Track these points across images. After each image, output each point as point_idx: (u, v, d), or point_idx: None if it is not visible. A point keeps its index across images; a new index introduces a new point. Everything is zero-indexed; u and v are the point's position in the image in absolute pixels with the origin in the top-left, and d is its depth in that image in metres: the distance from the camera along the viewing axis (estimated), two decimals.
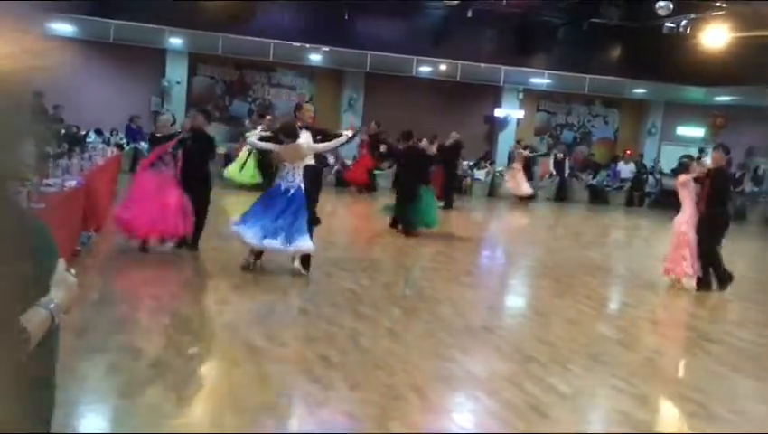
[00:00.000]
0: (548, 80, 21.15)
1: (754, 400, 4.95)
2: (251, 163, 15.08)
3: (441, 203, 14.86)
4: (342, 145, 8.40)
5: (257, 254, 7.61)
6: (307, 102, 8.13)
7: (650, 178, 21.99)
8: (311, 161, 7.75)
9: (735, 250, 10.51)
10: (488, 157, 21.72)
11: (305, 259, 7.68)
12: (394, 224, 11.64)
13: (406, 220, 11.36)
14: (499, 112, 22.26)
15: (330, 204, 16.35)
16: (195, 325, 5.73)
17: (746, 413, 4.66)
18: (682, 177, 8.59)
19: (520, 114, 22.47)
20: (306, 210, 7.43)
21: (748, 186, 20.39)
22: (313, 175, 7.83)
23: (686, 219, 8.41)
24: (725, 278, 8.43)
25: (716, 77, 19.18)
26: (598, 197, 21.06)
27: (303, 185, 7.40)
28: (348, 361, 5.00)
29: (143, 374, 4.35)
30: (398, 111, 20.63)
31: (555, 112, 23.34)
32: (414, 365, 5.03)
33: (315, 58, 19.81)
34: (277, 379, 4.58)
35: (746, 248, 13.59)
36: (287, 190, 7.35)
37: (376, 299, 6.97)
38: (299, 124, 7.71)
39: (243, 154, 15.35)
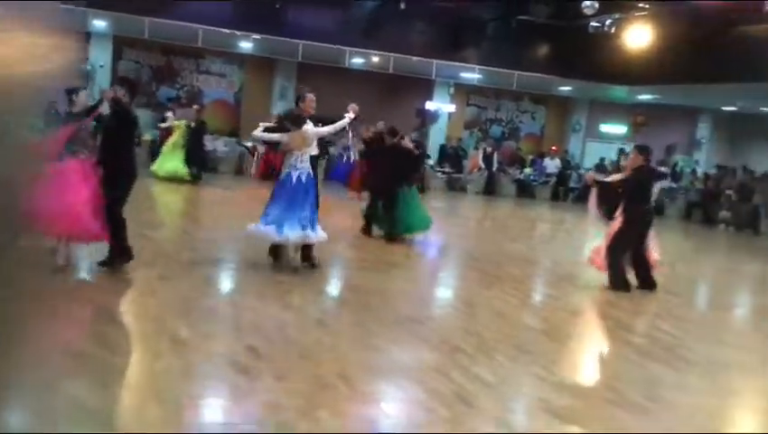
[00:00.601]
0: (479, 75, 21.44)
1: (670, 388, 5.15)
2: (179, 155, 14.75)
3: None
4: (344, 128, 8.29)
5: (304, 248, 7.60)
6: (309, 93, 7.99)
7: (574, 174, 22.63)
8: (315, 151, 7.76)
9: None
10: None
11: (307, 252, 7.70)
12: (367, 230, 10.63)
13: (388, 224, 10.44)
14: (430, 105, 22.45)
15: (257, 192, 16.18)
16: (119, 317, 5.58)
17: (662, 401, 4.85)
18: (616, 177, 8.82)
19: (451, 108, 22.73)
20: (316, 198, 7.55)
21: (666, 182, 21.16)
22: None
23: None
24: (618, 284, 8.31)
25: (639, 76, 19.82)
26: (525, 191, 21.53)
27: (311, 172, 7.46)
28: (275, 351, 4.96)
29: (65, 366, 4.21)
30: (330, 102, 20.56)
31: (485, 107, 23.70)
32: (342, 355, 5.03)
33: (246, 45, 19.52)
34: (202, 370, 4.51)
35: (665, 242, 14.11)
36: (299, 178, 7.36)
37: (305, 290, 6.93)
38: (303, 115, 7.65)
39: (169, 144, 15.00)
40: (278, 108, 20.94)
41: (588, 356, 6.16)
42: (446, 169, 21.50)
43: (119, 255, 6.71)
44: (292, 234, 7.25)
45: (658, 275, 8.60)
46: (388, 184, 10.42)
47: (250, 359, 4.72)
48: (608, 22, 18.18)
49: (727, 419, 4.80)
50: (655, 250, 8.74)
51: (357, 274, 8.20)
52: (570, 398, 4.78)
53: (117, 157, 6.63)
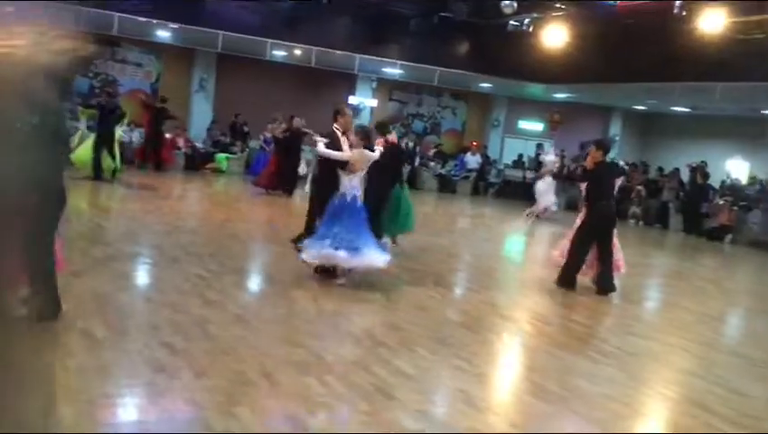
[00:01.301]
0: (401, 71, 21.57)
1: (583, 377, 5.33)
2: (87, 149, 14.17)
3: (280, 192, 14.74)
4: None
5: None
6: (347, 108, 7.96)
7: (494, 169, 23.10)
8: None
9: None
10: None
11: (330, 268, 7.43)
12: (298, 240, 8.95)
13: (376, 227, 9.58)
14: (353, 100, 22.45)
15: (180, 186, 15.85)
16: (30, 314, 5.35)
17: (577, 390, 5.01)
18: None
19: (374, 102, 22.79)
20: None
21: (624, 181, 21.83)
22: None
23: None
24: (565, 281, 8.44)
25: (555, 75, 20.38)
26: (446, 186, 21.83)
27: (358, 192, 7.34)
28: (194, 348, 4.87)
29: None
30: (251, 95, 20.30)
31: (407, 102, 23.88)
32: (263, 351, 4.98)
33: (163, 35, 19.00)
34: (118, 369, 4.38)
35: None
36: (354, 198, 7.27)
37: (225, 285, 6.83)
38: (341, 130, 7.53)
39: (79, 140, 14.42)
40: (196, 100, 20.53)
41: (507, 348, 6.31)
42: None
43: None
44: (314, 256, 7.17)
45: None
46: (383, 185, 9.33)
47: (168, 356, 4.61)
48: (526, 21, 18.61)
49: (638, 406, 5.00)
50: (618, 249, 8.66)
51: (278, 269, 8.13)
52: (489, 389, 4.88)
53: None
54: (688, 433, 4.50)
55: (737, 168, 22.32)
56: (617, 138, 25.87)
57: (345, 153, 7.45)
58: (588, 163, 8.67)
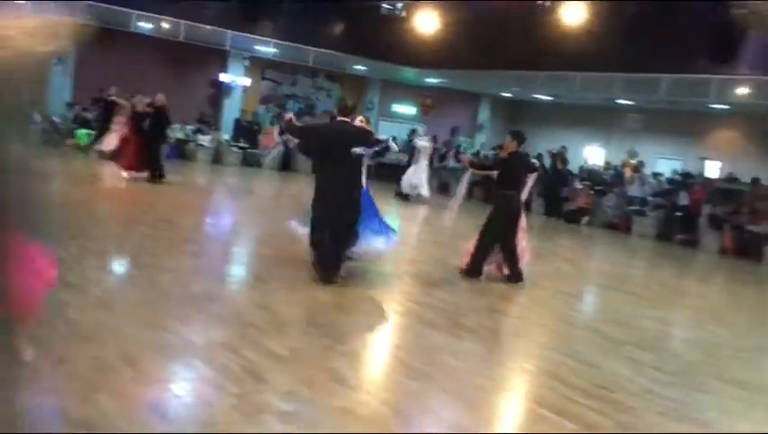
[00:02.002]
0: (275, 50, 21.27)
1: (450, 354, 5.51)
2: None
3: (145, 174, 13.81)
4: None
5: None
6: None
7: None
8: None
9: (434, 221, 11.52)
10: (210, 122, 21.32)
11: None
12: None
13: None
14: (224, 77, 21.90)
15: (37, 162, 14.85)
16: None
17: (444, 367, 5.18)
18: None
19: (246, 81, 22.34)
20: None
21: (451, 162, 22.46)
22: None
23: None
24: (472, 271, 8.49)
25: (427, 60, 20.79)
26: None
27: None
28: (52, 335, 4.61)
29: None
30: (116, 69, 19.31)
31: (281, 82, 23.58)
32: (127, 336, 4.80)
33: (17, 2, 17.68)
34: None
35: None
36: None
37: (85, 268, 6.51)
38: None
39: None
40: (55, 73, 19.33)
41: (376, 328, 6.41)
42: (241, 144, 21.15)
43: None
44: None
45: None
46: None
47: (25, 344, 4.34)
48: (399, 5, 18.84)
49: (501, 380, 5.24)
50: (524, 238, 8.71)
51: (145, 251, 7.84)
52: (360, 368, 4.95)
53: None
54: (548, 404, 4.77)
55: (594, 154, 23.71)
56: (485, 124, 26.79)
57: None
58: (504, 151, 8.65)
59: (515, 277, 8.53)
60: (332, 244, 7.13)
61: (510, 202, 8.46)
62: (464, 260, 8.64)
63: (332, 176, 7.19)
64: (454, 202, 9.25)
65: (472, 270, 8.50)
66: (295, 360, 4.86)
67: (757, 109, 18.23)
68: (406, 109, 25.52)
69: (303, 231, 7.51)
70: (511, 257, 8.52)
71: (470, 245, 8.70)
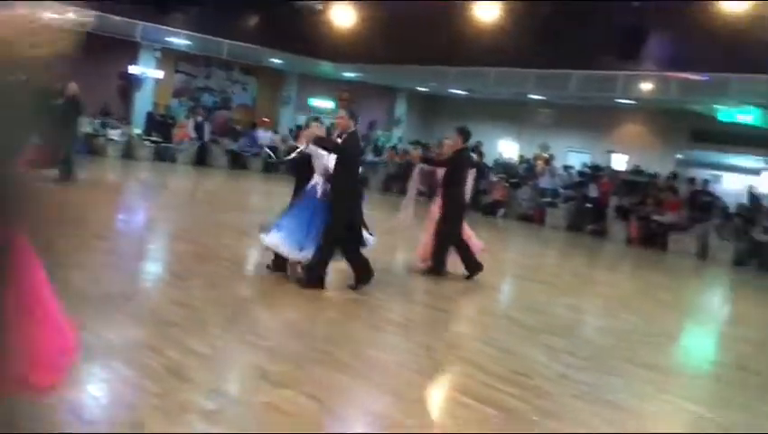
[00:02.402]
0: (188, 42, 20.77)
1: (375, 346, 5.56)
2: None
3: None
4: None
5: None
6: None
7: (286, 146, 23.09)
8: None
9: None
10: (114, 115, 20.66)
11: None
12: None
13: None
14: (134, 69, 21.25)
15: None
16: None
17: (369, 359, 5.22)
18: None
19: (159, 74, 21.74)
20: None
21: (369, 156, 22.55)
22: None
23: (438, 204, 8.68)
24: (439, 268, 8.62)
25: (343, 54, 20.77)
26: (237, 162, 21.47)
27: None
28: None
29: None
30: None
31: (195, 75, 23.05)
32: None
33: None
34: None
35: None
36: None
37: None
38: None
39: None
40: None
41: (299, 321, 6.38)
42: (154, 138, 20.58)
43: None
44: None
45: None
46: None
47: None
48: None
49: (425, 371, 5.31)
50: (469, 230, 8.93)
51: (54, 248, 7.52)
52: (283, 363, 4.92)
53: None
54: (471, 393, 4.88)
55: (508, 148, 24.28)
56: (402, 119, 27.01)
57: None
58: (450, 148, 8.75)
59: (474, 267, 8.71)
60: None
61: (459, 198, 8.63)
62: (426, 262, 8.76)
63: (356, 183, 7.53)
64: (407, 201, 9.24)
65: (436, 269, 8.59)
66: (217, 357, 4.79)
67: (660, 105, 19.09)
68: (323, 103, 25.43)
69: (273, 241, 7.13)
70: (466, 251, 8.70)
71: (426, 246, 8.77)
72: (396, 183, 21.66)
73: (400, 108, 27.09)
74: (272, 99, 24.84)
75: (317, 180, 7.27)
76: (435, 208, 8.80)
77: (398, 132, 26.77)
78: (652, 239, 16.05)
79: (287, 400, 4.20)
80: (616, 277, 12.81)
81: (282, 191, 18.27)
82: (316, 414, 4.10)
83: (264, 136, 22.30)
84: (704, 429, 4.81)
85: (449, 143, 8.97)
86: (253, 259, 9.09)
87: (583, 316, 8.37)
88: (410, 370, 5.17)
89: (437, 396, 4.98)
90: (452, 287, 8.49)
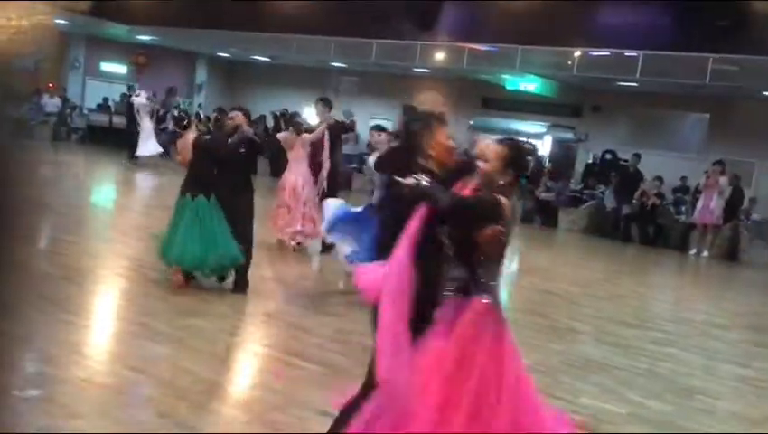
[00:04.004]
0: None
1: (194, 315, 5.54)
2: None
3: None
4: None
5: None
6: None
7: (75, 114, 21.63)
8: None
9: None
10: None
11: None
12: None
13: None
14: None
15: None
16: None
17: (190, 328, 5.21)
18: (307, 136, 8.60)
19: None
20: None
21: (170, 125, 21.73)
22: None
23: (302, 176, 8.48)
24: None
25: (137, 15, 19.74)
26: (21, 131, 19.73)
27: None
28: None
29: None
30: None
31: None
32: None
33: None
34: None
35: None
36: None
37: None
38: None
39: None
40: None
41: (114, 296, 6.19)
42: None
43: None
44: None
45: None
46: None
47: None
48: None
49: (246, 335, 5.39)
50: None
51: None
52: (103, 338, 4.80)
53: None
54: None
55: (313, 116, 24.51)
56: (203, 85, 26.25)
57: None
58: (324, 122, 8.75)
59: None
60: None
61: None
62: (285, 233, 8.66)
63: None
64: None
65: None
66: (34, 339, 4.55)
67: (453, 74, 20.23)
68: (116, 68, 24.00)
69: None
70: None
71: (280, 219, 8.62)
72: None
73: (201, 75, 26.29)
74: (58, 63, 23.00)
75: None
76: (291, 177, 8.74)
77: (199, 99, 25.99)
78: None
79: (105, 374, 4.14)
80: None
81: (75, 161, 17.21)
82: (133, 383, 4.09)
83: (50, 102, 20.68)
84: None
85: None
86: (57, 235, 8.59)
87: None
88: (234, 335, 5.26)
89: (263, 358, 5.10)
90: (269, 255, 8.58)
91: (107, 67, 23.92)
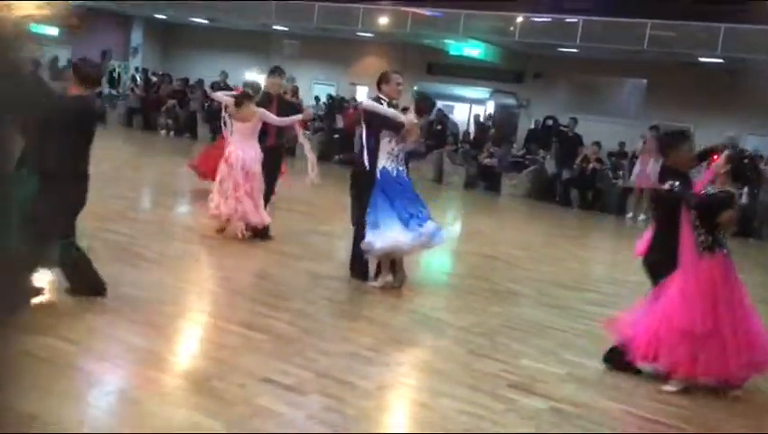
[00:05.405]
0: None
1: (132, 285, 5.41)
2: None
3: None
4: None
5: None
6: (395, 73, 6.35)
7: None
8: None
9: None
10: None
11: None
12: None
13: None
14: None
15: None
16: None
17: (127, 298, 5.08)
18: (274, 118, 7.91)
19: None
20: None
21: (105, 89, 21.09)
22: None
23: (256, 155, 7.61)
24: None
25: None
26: None
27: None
28: None
29: None
30: None
31: None
32: None
33: None
34: None
35: (109, 150, 14.11)
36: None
37: None
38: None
39: None
40: None
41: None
42: None
43: None
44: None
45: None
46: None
47: None
48: None
49: (187, 304, 5.30)
50: None
51: None
52: (37, 312, 4.63)
53: None
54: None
55: (256, 80, 24.05)
56: (139, 48, 25.45)
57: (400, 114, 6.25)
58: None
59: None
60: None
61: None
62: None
63: None
64: (311, 162, 8.39)
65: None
66: None
67: (397, 38, 20.07)
68: (48, 30, 23.04)
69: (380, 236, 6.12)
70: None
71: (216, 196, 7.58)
72: (138, 116, 20.59)
73: (136, 37, 25.47)
74: None
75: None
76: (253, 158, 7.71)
77: (135, 62, 25.21)
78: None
79: (43, 347, 4.01)
80: None
81: None
82: (70, 355, 3.99)
83: None
84: (446, 332, 5.40)
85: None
86: None
87: (339, 242, 8.77)
88: (171, 304, 5.16)
89: (203, 327, 5.02)
90: (209, 223, 8.43)
91: (37, 29, 22.94)
